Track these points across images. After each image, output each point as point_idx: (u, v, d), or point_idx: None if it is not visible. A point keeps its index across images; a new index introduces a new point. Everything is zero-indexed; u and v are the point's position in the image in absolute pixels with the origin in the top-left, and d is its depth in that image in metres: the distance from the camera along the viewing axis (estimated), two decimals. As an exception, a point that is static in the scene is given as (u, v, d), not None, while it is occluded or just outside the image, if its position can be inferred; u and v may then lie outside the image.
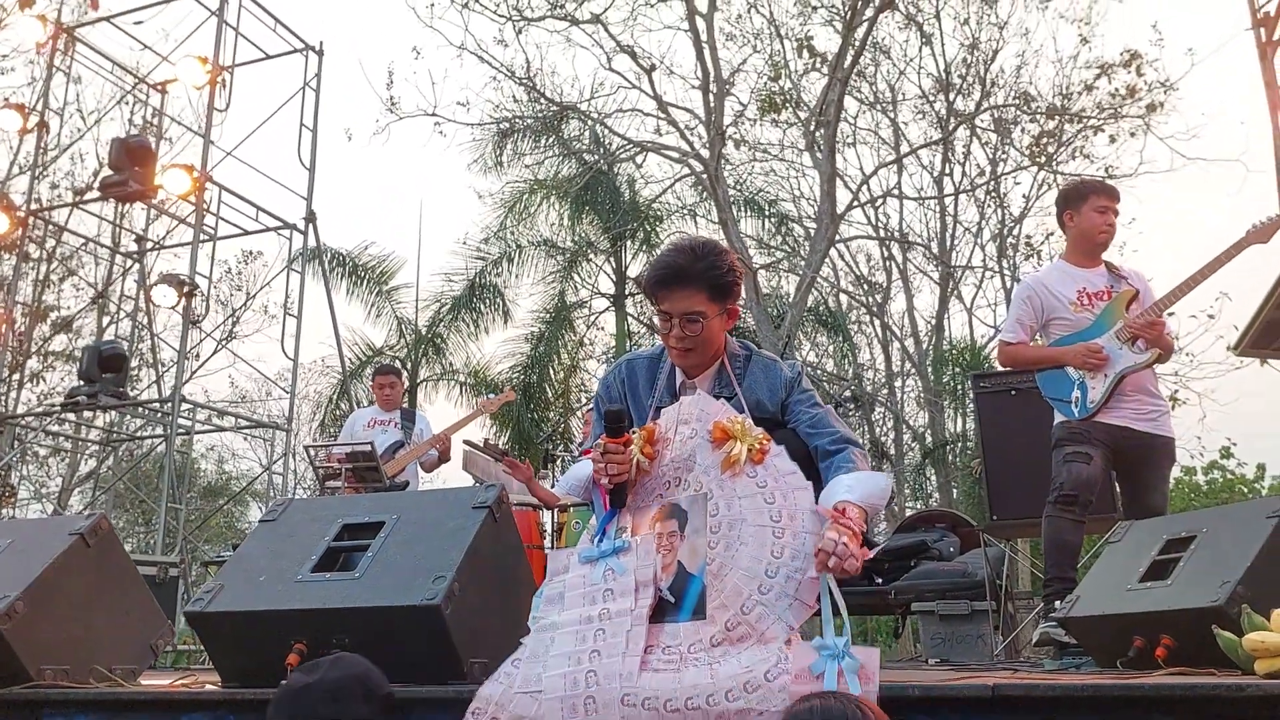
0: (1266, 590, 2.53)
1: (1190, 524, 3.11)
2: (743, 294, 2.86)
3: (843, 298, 19.29)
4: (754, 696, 2.10)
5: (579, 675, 2.21)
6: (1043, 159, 15.96)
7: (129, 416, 10.92)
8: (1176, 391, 15.35)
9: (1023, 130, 16.31)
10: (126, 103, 12.40)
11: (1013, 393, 5.31)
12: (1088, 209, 4.14)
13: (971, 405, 7.19)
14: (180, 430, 8.96)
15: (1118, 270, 4.17)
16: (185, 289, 8.47)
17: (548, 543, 6.07)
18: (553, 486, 6.40)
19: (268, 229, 9.93)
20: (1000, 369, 5.57)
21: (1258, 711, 1.83)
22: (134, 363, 13.95)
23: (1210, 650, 2.44)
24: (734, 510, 2.46)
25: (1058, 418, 4.05)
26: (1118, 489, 4.36)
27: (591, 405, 3.20)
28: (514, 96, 15.76)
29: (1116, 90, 15.21)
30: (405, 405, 7.24)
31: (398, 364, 15.76)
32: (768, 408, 2.69)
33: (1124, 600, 3.02)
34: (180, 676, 3.72)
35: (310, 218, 9.83)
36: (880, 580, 5.91)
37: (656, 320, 2.69)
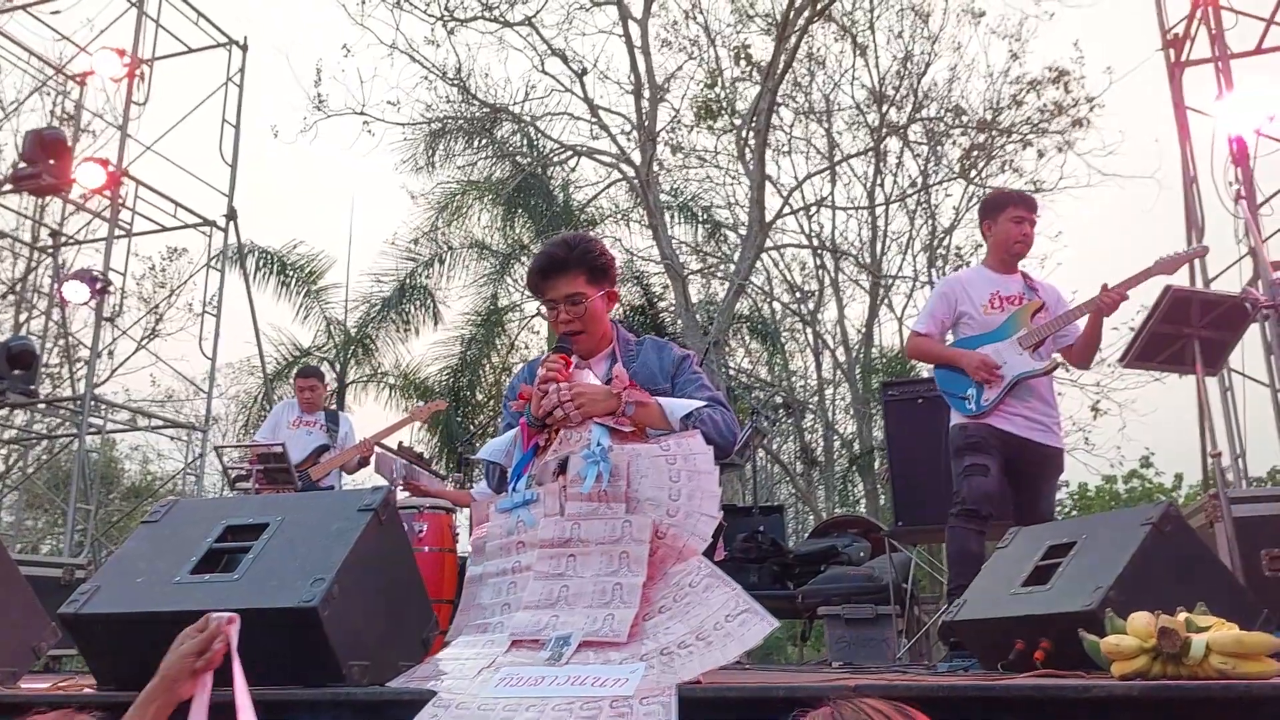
0: (1138, 595, 2.59)
1: (1072, 531, 3.18)
2: (618, 277, 3.08)
3: (776, 306, 19.46)
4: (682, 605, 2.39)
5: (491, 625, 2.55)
6: (972, 172, 16.27)
7: (45, 415, 10.64)
8: (1098, 401, 15.76)
9: (954, 143, 16.61)
10: (48, 94, 12.09)
11: (919, 401, 5.40)
12: (1004, 219, 4.25)
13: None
14: (92, 429, 8.75)
15: (1033, 282, 4.29)
16: (97, 285, 8.27)
17: (461, 545, 6.03)
18: (462, 488, 6.37)
19: (187, 225, 9.74)
20: (907, 379, 5.68)
21: (1102, 712, 1.88)
22: (55, 360, 13.61)
23: (1084, 653, 2.50)
24: (627, 450, 2.63)
25: (954, 418, 4.13)
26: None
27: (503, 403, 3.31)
28: (446, 97, 15.69)
29: (1044, 105, 15.57)
30: (331, 407, 7.15)
31: (323, 366, 15.57)
32: (659, 380, 2.92)
33: (1007, 604, 3.07)
34: (62, 679, 3.62)
35: (231, 215, 9.67)
36: (790, 584, 5.98)
37: (544, 310, 2.97)
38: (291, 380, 7.98)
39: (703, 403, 2.77)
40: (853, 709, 1.32)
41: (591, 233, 16.10)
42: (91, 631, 2.85)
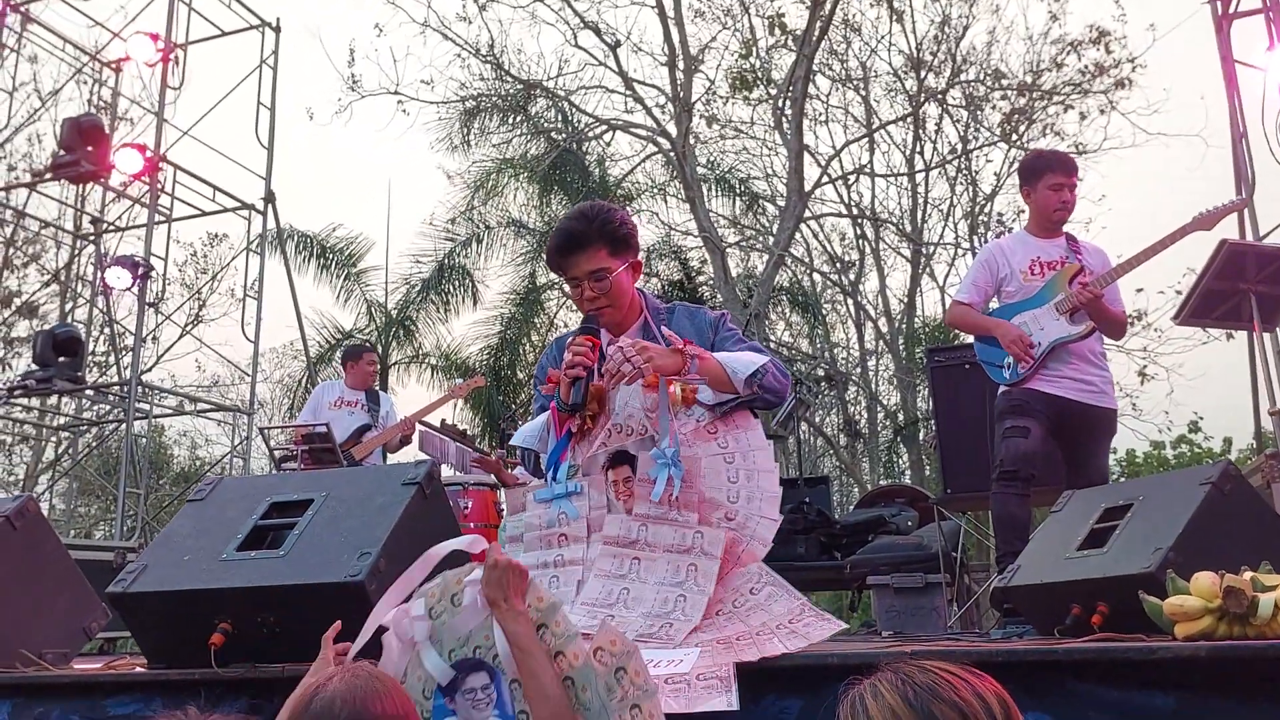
0: (1198, 556, 2.52)
1: (1129, 492, 3.11)
2: (641, 247, 2.96)
3: (816, 277, 19.30)
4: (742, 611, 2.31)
5: None
6: (1013, 136, 15.99)
7: (95, 402, 10.80)
8: (1145, 367, 15.49)
9: (993, 107, 16.32)
10: (84, 82, 12.20)
11: (966, 366, 5.31)
12: (1042, 186, 4.18)
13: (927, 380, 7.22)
14: (139, 415, 8.86)
15: (1077, 245, 4.21)
16: (140, 271, 8.34)
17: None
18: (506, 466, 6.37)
19: (225, 210, 9.80)
20: (953, 345, 5.60)
21: (1166, 673, 1.82)
22: (102, 347, 13.80)
23: (1144, 615, 2.43)
24: (684, 447, 2.54)
25: (999, 387, 4.09)
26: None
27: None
28: (479, 75, 15.65)
29: (1086, 67, 15.24)
30: (373, 386, 7.20)
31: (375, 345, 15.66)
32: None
33: (1062, 569, 3.01)
34: (111, 660, 3.66)
35: (269, 198, 9.71)
36: (838, 555, 5.93)
37: (568, 289, 2.80)
38: (340, 359, 8.02)
39: (765, 358, 2.63)
40: (920, 669, 1.28)
41: (627, 207, 16.13)
42: (139, 609, 2.86)
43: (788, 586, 2.35)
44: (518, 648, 1.85)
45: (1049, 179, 4.16)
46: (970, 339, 4.57)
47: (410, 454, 6.65)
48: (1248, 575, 2.18)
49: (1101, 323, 4.05)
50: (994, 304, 4.29)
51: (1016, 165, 16.75)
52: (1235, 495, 2.78)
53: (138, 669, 3.01)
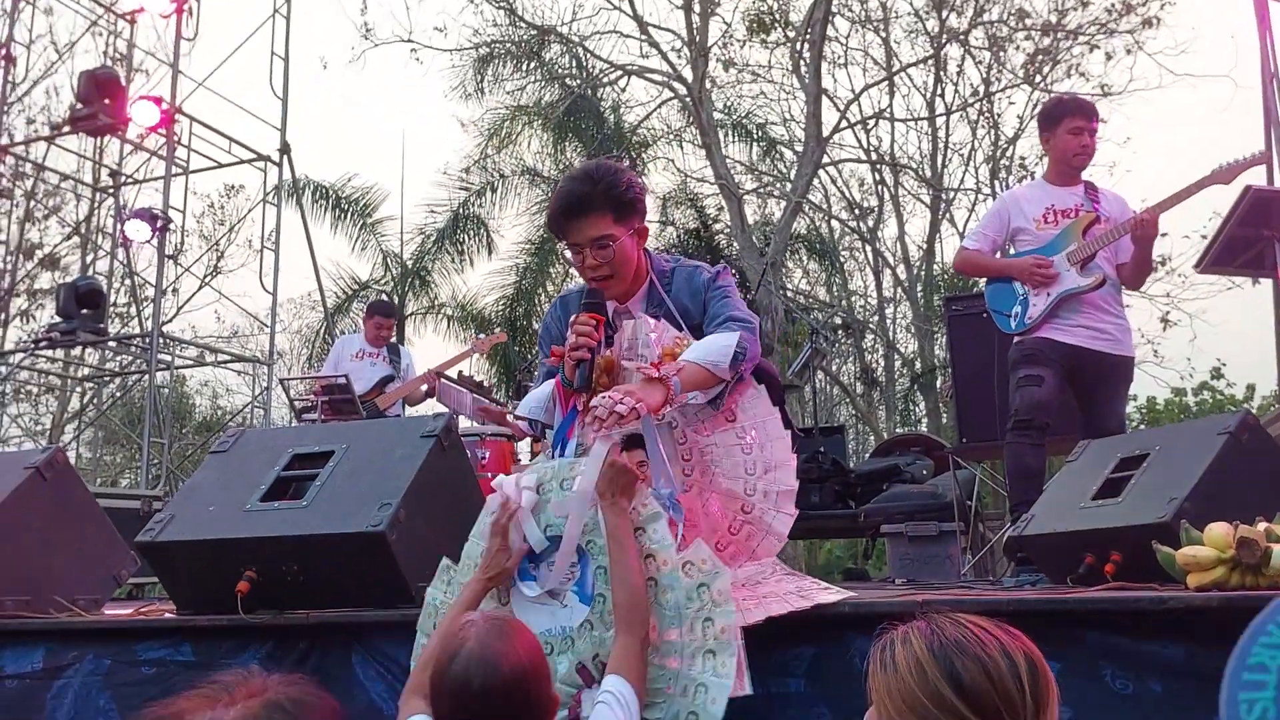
0: (1214, 506, 2.53)
1: (1145, 442, 3.11)
2: (648, 210, 2.81)
3: (834, 224, 19.17)
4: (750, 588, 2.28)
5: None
6: (1037, 78, 15.73)
7: (117, 353, 10.90)
8: (1168, 313, 15.36)
9: (1017, 48, 16.04)
10: (100, 34, 12.16)
11: (984, 315, 5.27)
12: (1062, 131, 4.12)
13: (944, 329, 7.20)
14: (161, 366, 8.94)
15: (1096, 192, 4.15)
16: (158, 223, 8.38)
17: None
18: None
19: (242, 161, 9.79)
20: (971, 293, 5.56)
21: (1178, 623, 1.84)
22: (122, 299, 13.90)
23: (1157, 565, 2.45)
24: (700, 435, 2.51)
25: (1012, 338, 4.07)
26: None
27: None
28: (493, 20, 15.49)
29: (1112, 4, 14.93)
30: (391, 340, 7.24)
31: (381, 299, 15.67)
32: (693, 315, 2.67)
33: (1077, 518, 3.02)
34: (140, 606, 3.75)
35: (284, 149, 9.69)
36: (852, 503, 5.96)
37: (569, 255, 2.63)
38: (359, 313, 8.07)
39: (735, 335, 2.48)
40: (953, 623, 1.27)
41: (643, 153, 16.00)
42: (167, 558, 2.93)
43: (799, 575, 2.35)
44: (614, 539, 2.06)
45: (1068, 123, 4.10)
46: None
47: (430, 407, 6.70)
48: (1261, 526, 2.19)
49: (1141, 266, 4.02)
50: (1011, 251, 4.26)
51: (1038, 108, 16.59)
52: (1253, 445, 2.78)
53: (166, 615, 3.08)
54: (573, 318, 2.53)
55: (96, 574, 3.44)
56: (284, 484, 2.92)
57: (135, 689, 2.89)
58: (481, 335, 10.64)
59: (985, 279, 4.35)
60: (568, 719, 2.03)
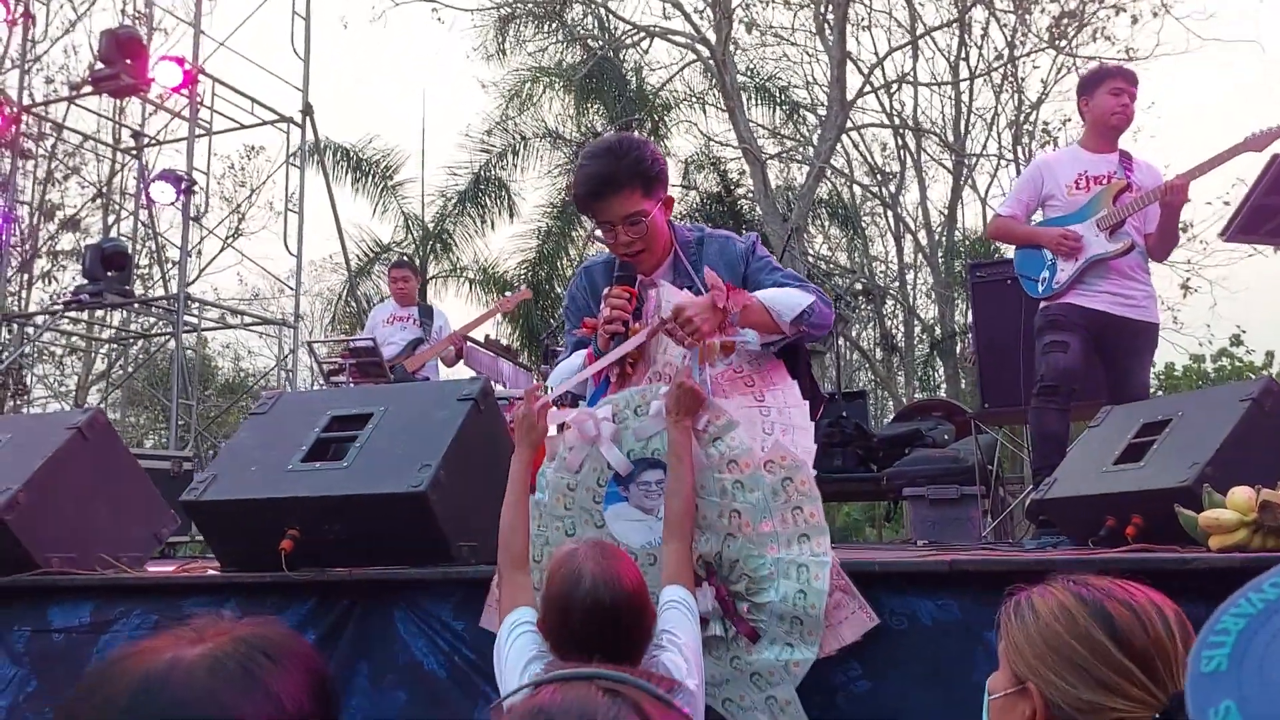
0: (1236, 471, 2.56)
1: (1167, 408, 3.14)
2: (670, 180, 2.80)
3: (856, 189, 19.07)
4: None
5: None
6: (1062, 41, 15.55)
7: (140, 315, 11.01)
8: (1189, 279, 15.27)
9: (1042, 10, 15.84)
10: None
11: (1008, 282, 5.30)
12: (1101, 92, 4.14)
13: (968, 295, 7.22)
14: (187, 328, 9.03)
15: (1130, 161, 4.17)
16: (183, 185, 8.43)
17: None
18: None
19: (264, 123, 9.82)
20: (994, 260, 5.58)
21: (1202, 583, 1.89)
22: (144, 260, 14.01)
23: (1178, 528, 2.50)
24: (720, 399, 2.53)
25: (1038, 304, 4.10)
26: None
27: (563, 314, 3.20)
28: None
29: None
30: (423, 302, 7.28)
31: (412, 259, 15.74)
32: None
33: (1099, 482, 3.07)
34: (185, 564, 3.84)
35: (307, 110, 9.70)
36: (874, 467, 6.03)
37: (599, 233, 2.63)
38: (380, 275, 8.15)
39: (811, 297, 2.52)
40: (1095, 578, 1.28)
41: (665, 116, 15.89)
42: (212, 517, 3.02)
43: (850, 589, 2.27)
44: (674, 454, 2.21)
45: (1109, 84, 4.13)
46: (1011, 254, 4.57)
47: (462, 370, 6.75)
48: (1284, 490, 2.24)
49: (1167, 236, 4.05)
50: (1039, 218, 4.28)
51: (1064, 72, 16.45)
52: (1275, 412, 2.81)
53: (209, 572, 3.17)
54: (606, 291, 2.57)
55: (138, 532, 3.51)
56: (324, 445, 2.99)
57: (182, 642, 2.98)
58: (507, 293, 10.70)
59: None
60: None
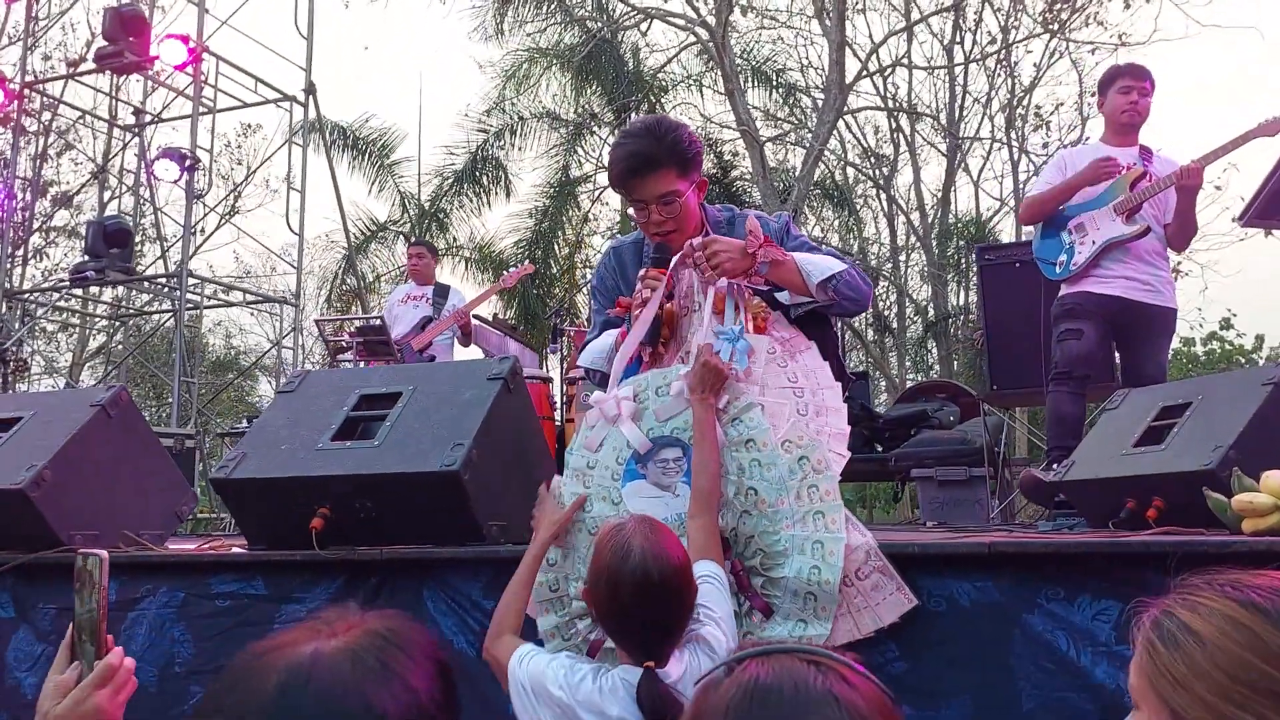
0: (1258, 455, 2.60)
1: (1187, 391, 3.17)
2: (704, 163, 2.83)
3: (849, 171, 19.08)
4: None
5: None
6: (1055, 25, 15.56)
7: (135, 291, 10.96)
8: (1180, 263, 15.35)
9: (1037, -6, 15.84)
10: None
11: (1016, 265, 5.35)
12: (1112, 91, 4.32)
13: (975, 278, 7.25)
14: (188, 305, 9.01)
15: (1150, 154, 4.29)
16: (187, 163, 8.39)
17: (557, 415, 6.20)
18: (561, 360, 6.50)
19: (267, 101, 9.77)
20: (1003, 243, 5.62)
21: (1244, 566, 1.91)
22: (137, 237, 13.93)
23: (1198, 511, 2.52)
24: (754, 378, 2.55)
25: (1057, 290, 4.19)
26: (1118, 358, 4.48)
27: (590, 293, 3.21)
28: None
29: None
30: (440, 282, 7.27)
31: (399, 240, 15.70)
32: None
33: (1119, 464, 3.09)
34: (206, 541, 3.85)
35: (310, 89, 9.65)
36: (881, 448, 6.06)
37: (632, 211, 2.64)
38: (379, 254, 8.13)
39: (843, 265, 2.56)
40: (1239, 577, 1.08)
41: (663, 98, 15.84)
42: (241, 494, 3.02)
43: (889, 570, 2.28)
44: (697, 430, 2.25)
45: (1119, 84, 4.30)
46: (1021, 237, 4.64)
47: (476, 351, 6.75)
48: (1315, 475, 2.26)
49: (1185, 223, 4.14)
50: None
51: (1057, 56, 16.48)
52: (1297, 395, 2.84)
53: (235, 549, 3.18)
54: (642, 272, 2.59)
55: (160, 510, 3.51)
56: (353, 424, 2.99)
57: (209, 621, 2.98)
58: (509, 269, 10.68)
59: (1035, 232, 4.42)
60: None
